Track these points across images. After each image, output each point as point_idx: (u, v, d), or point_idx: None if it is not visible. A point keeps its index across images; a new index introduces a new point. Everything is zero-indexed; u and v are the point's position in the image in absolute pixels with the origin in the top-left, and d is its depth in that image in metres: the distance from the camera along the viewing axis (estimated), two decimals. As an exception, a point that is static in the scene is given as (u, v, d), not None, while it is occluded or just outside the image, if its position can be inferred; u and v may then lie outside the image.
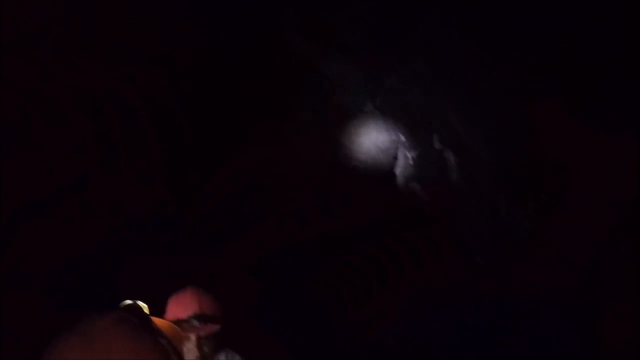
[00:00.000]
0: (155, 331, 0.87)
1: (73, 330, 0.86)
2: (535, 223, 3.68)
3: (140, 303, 0.97)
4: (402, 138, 3.65)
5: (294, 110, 3.61)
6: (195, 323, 2.10)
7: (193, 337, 2.07)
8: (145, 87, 3.57)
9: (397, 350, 3.86)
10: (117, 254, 3.67)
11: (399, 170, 3.70)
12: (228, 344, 2.23)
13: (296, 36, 3.54)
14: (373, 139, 3.65)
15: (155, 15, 3.49)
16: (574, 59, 3.56)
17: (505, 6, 3.51)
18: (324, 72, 3.58)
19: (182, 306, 2.16)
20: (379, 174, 3.69)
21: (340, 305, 3.99)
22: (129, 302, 0.98)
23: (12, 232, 3.48)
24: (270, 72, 3.52)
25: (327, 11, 3.45)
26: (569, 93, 3.59)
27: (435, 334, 3.81)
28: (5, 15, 3.24)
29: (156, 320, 0.94)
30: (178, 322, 2.01)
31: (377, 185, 3.73)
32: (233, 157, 3.69)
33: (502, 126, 3.67)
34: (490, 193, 3.72)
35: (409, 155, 3.69)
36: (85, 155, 3.50)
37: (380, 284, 3.91)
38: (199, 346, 2.07)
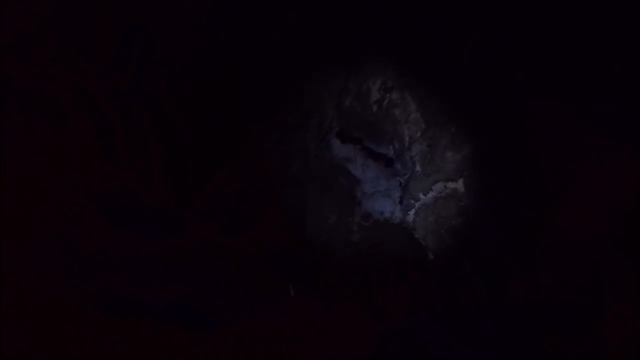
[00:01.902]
0: None
1: None
2: (535, 223, 3.68)
3: None
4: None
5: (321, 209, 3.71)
6: None
7: None
8: (145, 87, 3.57)
9: (398, 350, 3.86)
10: (117, 254, 3.67)
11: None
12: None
13: (336, 140, 3.62)
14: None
15: (155, 16, 3.50)
16: (574, 59, 3.57)
17: (505, 6, 3.52)
18: (357, 177, 3.68)
19: None
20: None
21: (340, 303, 3.99)
22: None
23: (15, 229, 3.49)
24: (305, 175, 3.63)
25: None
26: (569, 93, 3.59)
27: (435, 334, 3.82)
28: (5, 15, 3.25)
29: None
30: None
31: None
32: (233, 157, 3.70)
33: (502, 126, 3.68)
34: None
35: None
36: (85, 155, 3.50)
37: (380, 283, 3.91)
38: None
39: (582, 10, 3.59)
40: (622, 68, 3.57)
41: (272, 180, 3.81)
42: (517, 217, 3.75)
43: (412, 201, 3.72)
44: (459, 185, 3.73)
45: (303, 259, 3.85)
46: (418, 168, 3.75)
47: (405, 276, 3.83)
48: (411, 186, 3.73)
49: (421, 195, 3.72)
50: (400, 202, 3.71)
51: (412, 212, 3.73)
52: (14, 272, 3.55)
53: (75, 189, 3.62)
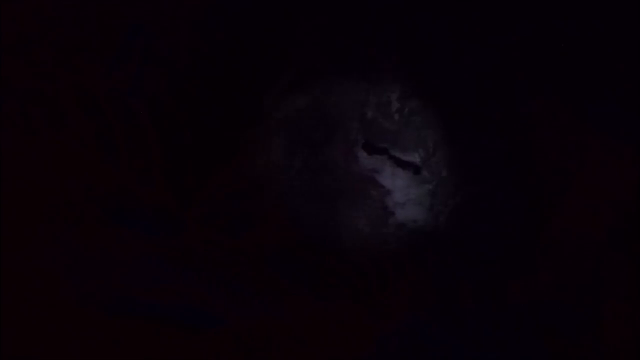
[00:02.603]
0: None
1: None
2: (535, 223, 3.68)
3: None
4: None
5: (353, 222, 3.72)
6: None
7: None
8: (145, 87, 3.57)
9: (397, 350, 3.86)
10: (117, 254, 3.67)
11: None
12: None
13: (362, 151, 3.63)
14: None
15: (155, 16, 3.50)
16: (574, 59, 3.57)
17: (505, 5, 3.52)
18: (388, 188, 3.67)
19: None
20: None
21: (340, 303, 3.99)
22: None
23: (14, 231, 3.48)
24: (335, 189, 3.65)
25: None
26: (569, 93, 3.59)
27: (435, 334, 3.82)
28: (5, 15, 3.25)
29: None
30: None
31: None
32: (233, 157, 3.70)
33: (502, 126, 3.68)
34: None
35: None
36: (85, 155, 3.50)
37: (380, 283, 3.91)
38: None
39: (582, 10, 3.59)
40: (623, 68, 3.57)
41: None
42: (517, 217, 3.75)
43: (442, 207, 3.71)
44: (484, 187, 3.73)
45: (303, 259, 3.85)
46: (444, 173, 3.74)
47: (405, 276, 3.83)
48: (440, 192, 3.72)
49: (449, 201, 3.70)
50: (431, 208, 3.69)
51: (442, 218, 3.71)
52: (14, 272, 3.55)
53: (75, 189, 3.62)
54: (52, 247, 3.61)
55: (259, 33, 3.55)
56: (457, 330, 3.87)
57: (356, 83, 3.65)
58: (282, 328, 3.82)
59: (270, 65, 3.58)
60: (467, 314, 3.85)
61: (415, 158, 3.73)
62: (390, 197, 3.72)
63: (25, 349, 3.55)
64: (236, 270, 3.82)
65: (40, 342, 3.57)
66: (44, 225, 3.57)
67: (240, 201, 3.81)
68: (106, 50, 3.48)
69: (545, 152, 3.66)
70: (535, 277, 3.74)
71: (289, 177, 3.68)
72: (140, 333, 3.65)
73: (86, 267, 3.66)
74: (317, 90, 3.66)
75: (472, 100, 3.66)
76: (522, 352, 3.75)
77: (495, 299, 3.81)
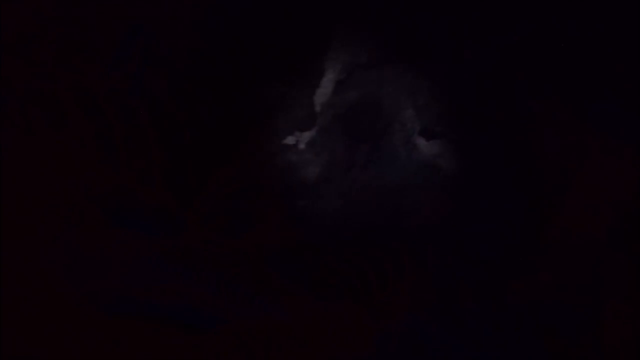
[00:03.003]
0: None
1: None
2: (535, 223, 3.68)
3: None
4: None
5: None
6: None
7: None
8: (145, 87, 3.57)
9: (397, 350, 3.86)
10: (117, 254, 3.67)
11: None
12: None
13: (422, 140, 3.65)
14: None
15: (155, 16, 3.50)
16: (574, 58, 3.57)
17: (505, 5, 3.52)
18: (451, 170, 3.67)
19: None
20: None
21: (340, 303, 3.99)
22: None
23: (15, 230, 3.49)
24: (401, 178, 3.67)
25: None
26: (569, 93, 3.59)
27: (435, 334, 3.82)
28: (6, 15, 3.25)
29: None
30: None
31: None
32: (233, 157, 3.70)
33: (502, 126, 3.68)
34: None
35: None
36: (85, 156, 3.50)
37: (380, 283, 3.91)
38: None
39: (582, 10, 3.59)
40: (623, 68, 3.57)
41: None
42: (517, 216, 3.76)
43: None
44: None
45: (303, 259, 3.85)
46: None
47: (405, 276, 3.83)
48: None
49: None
50: (497, 182, 3.62)
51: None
52: (14, 272, 3.55)
53: (75, 189, 3.62)
54: (52, 247, 3.62)
55: (259, 33, 3.55)
56: (457, 330, 3.87)
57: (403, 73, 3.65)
58: (282, 328, 3.82)
59: (270, 66, 3.58)
60: (467, 314, 3.85)
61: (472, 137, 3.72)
62: (455, 180, 3.69)
63: (25, 349, 3.55)
64: (236, 270, 3.82)
65: (40, 342, 3.57)
66: (44, 225, 3.58)
67: (240, 201, 3.81)
68: (106, 50, 3.48)
69: (545, 152, 3.66)
70: (535, 277, 3.74)
71: (353, 174, 3.71)
72: (140, 333, 3.65)
73: (86, 267, 3.66)
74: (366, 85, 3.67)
75: (472, 100, 3.66)
76: (522, 352, 3.75)
77: (495, 299, 3.81)
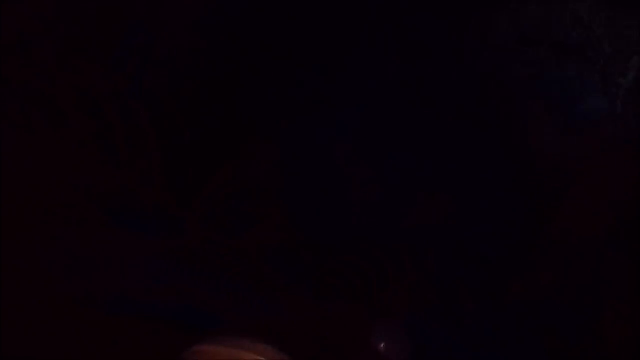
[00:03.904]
0: None
1: None
2: (535, 223, 3.69)
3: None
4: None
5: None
6: None
7: None
8: (145, 87, 3.58)
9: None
10: (117, 254, 3.68)
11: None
12: None
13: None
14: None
15: (155, 16, 3.50)
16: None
17: (505, 6, 3.52)
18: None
19: None
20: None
21: (340, 303, 4.00)
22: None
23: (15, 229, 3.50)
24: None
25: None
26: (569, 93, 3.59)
27: (435, 334, 3.82)
28: (6, 15, 3.26)
29: None
30: None
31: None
32: (233, 157, 3.70)
33: (502, 126, 3.68)
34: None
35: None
36: (85, 156, 3.51)
37: (380, 283, 3.92)
38: None
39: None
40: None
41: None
42: (517, 216, 3.75)
43: (614, 89, 3.41)
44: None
45: (303, 259, 3.85)
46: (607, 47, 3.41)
47: (405, 276, 3.83)
48: (608, 71, 3.41)
49: (621, 80, 3.38)
50: (605, 92, 3.39)
51: (618, 102, 3.41)
52: (14, 272, 3.55)
53: (75, 189, 3.61)
54: (52, 247, 3.62)
55: (259, 33, 3.56)
56: (457, 330, 3.87)
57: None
58: (282, 328, 3.82)
59: (270, 65, 3.59)
60: (467, 314, 3.85)
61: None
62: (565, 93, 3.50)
63: (25, 349, 3.55)
64: (236, 270, 3.81)
65: (40, 342, 3.57)
66: (44, 225, 3.58)
67: (240, 201, 3.81)
68: (106, 50, 3.48)
69: (545, 152, 3.66)
70: (535, 277, 3.73)
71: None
72: (140, 333, 3.65)
73: (86, 267, 3.66)
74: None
75: (472, 100, 3.66)
76: (522, 352, 3.75)
77: (495, 299, 3.81)
